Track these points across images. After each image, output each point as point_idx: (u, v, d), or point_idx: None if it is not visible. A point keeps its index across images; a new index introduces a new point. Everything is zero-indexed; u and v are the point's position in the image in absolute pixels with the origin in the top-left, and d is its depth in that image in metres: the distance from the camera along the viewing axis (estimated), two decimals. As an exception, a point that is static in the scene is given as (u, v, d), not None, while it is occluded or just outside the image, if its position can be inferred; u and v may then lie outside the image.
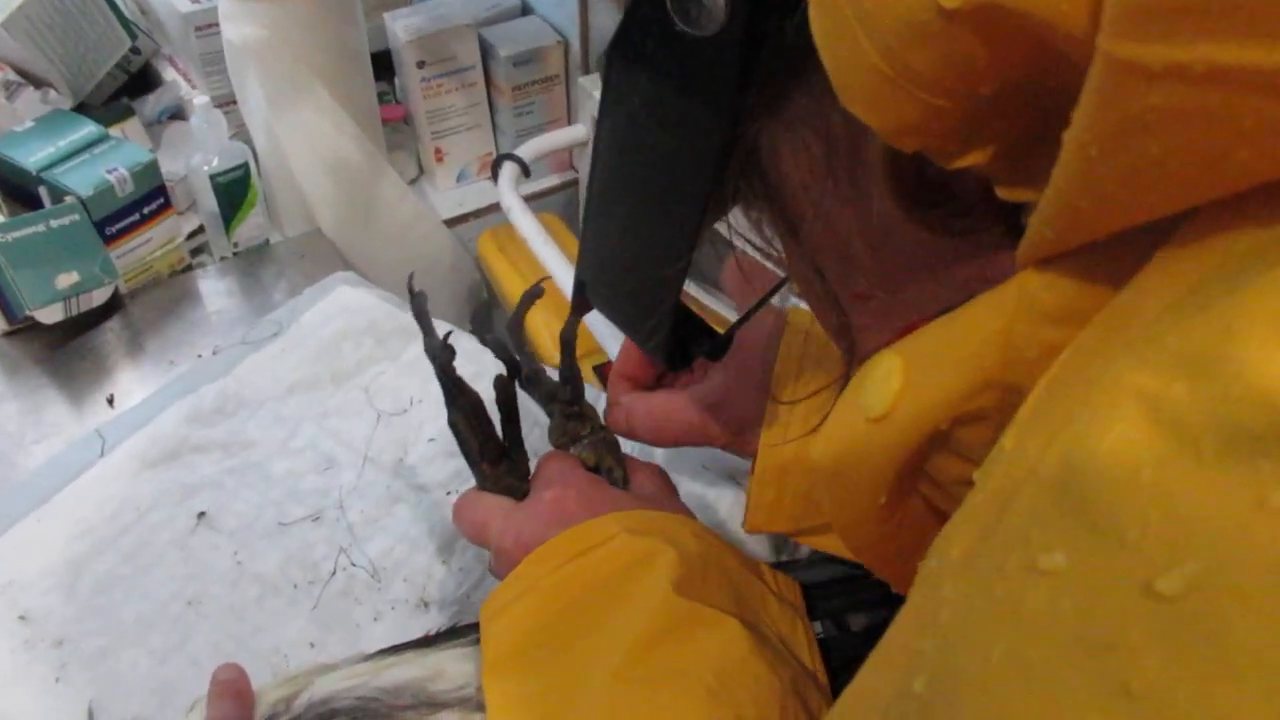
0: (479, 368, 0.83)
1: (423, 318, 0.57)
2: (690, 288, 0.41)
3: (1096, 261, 0.23)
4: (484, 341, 0.61)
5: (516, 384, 0.60)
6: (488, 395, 0.57)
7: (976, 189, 0.26)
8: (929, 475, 0.31)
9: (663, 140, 0.32)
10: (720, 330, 0.48)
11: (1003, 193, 0.25)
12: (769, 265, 0.41)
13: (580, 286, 0.44)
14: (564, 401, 0.59)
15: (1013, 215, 0.26)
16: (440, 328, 0.85)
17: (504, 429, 0.58)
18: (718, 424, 0.59)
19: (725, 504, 0.73)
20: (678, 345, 0.41)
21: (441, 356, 0.56)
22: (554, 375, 0.61)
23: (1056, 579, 0.19)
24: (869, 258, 0.31)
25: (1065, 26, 0.19)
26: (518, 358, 0.61)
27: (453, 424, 0.57)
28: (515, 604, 0.46)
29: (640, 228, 0.36)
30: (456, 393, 0.56)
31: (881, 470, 0.30)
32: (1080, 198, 0.21)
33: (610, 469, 0.58)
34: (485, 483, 0.57)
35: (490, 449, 0.57)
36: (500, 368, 0.59)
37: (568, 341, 0.59)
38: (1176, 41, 0.17)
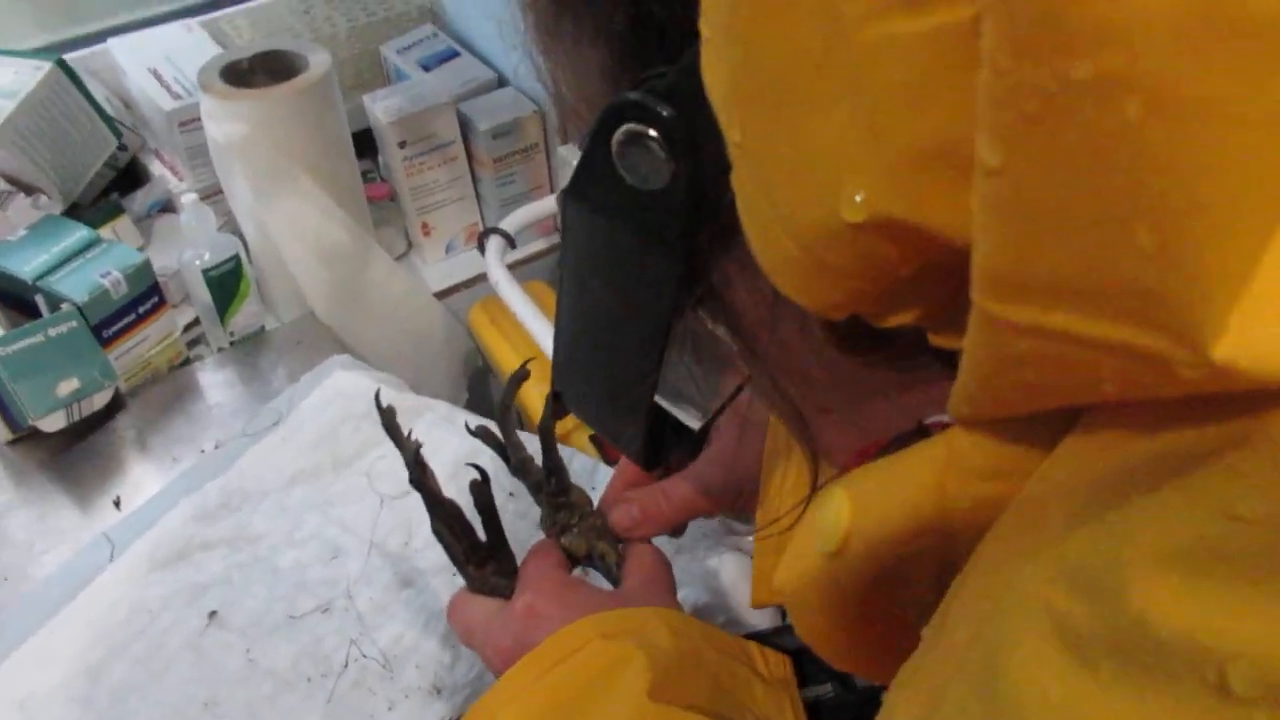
0: (477, 445, 0.84)
1: (393, 431, 0.58)
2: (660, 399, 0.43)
3: (1019, 427, 0.25)
4: (471, 432, 0.62)
5: (509, 469, 0.61)
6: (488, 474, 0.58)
7: (914, 334, 0.27)
8: (888, 595, 0.32)
9: (619, 280, 0.33)
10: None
11: (935, 340, 0.27)
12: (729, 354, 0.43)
13: (557, 396, 0.45)
14: (550, 493, 0.60)
15: (952, 352, 0.27)
16: (439, 417, 0.86)
17: (486, 531, 0.59)
18: (715, 495, 0.60)
19: (728, 572, 0.74)
20: (653, 447, 0.43)
21: (415, 473, 0.57)
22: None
23: None
24: (825, 380, 0.33)
25: (960, 239, 0.21)
26: (506, 445, 0.62)
27: (436, 532, 0.58)
28: (498, 716, 0.47)
29: (605, 353, 0.38)
30: (434, 503, 0.57)
31: (838, 600, 0.31)
32: (982, 394, 0.23)
33: (603, 555, 0.59)
34: (473, 584, 0.59)
35: (475, 552, 0.58)
36: (478, 462, 0.60)
37: (547, 433, 0.60)
38: (1031, 307, 0.19)
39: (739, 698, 0.48)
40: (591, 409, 0.43)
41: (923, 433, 0.29)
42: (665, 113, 0.27)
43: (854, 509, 0.30)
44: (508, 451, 0.62)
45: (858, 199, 0.21)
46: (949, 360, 0.27)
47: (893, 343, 0.28)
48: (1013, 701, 0.19)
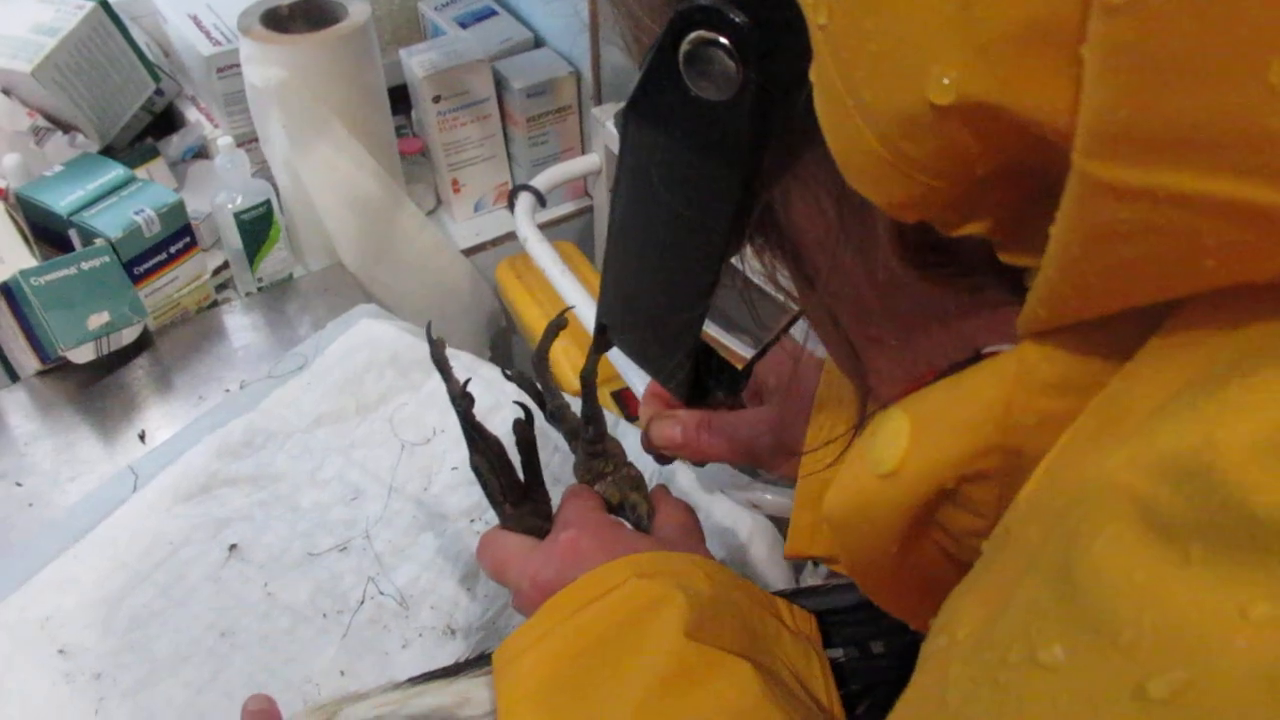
0: (498, 398, 0.85)
1: (442, 364, 0.58)
2: (709, 327, 0.43)
3: (1094, 337, 0.24)
4: (508, 376, 0.62)
5: (544, 416, 0.61)
6: (509, 429, 0.59)
7: (980, 250, 0.27)
8: (940, 524, 0.31)
9: (679, 197, 0.33)
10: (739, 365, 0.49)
11: (1004, 257, 0.26)
12: (782, 299, 0.43)
13: (601, 327, 0.45)
14: (587, 440, 0.60)
15: (1016, 274, 0.27)
16: (461, 366, 0.87)
17: (525, 471, 0.59)
18: (767, 446, 0.59)
19: (744, 529, 0.74)
20: (697, 382, 0.42)
21: (462, 404, 0.57)
22: (577, 408, 0.62)
23: (1055, 674, 0.20)
24: (880, 306, 0.32)
25: (1051, 123, 0.20)
26: (542, 391, 0.61)
27: (475, 467, 0.58)
28: (531, 650, 0.46)
29: (658, 276, 0.37)
30: (478, 437, 0.57)
31: (891, 523, 0.31)
32: (1065, 285, 0.22)
33: (635, 505, 0.59)
34: (508, 522, 0.59)
35: (512, 491, 0.58)
36: (523, 400, 0.60)
37: (588, 381, 0.59)
38: (1141, 167, 0.19)
39: (770, 647, 0.47)
40: (637, 340, 0.43)
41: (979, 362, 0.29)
42: (738, 19, 0.26)
43: (913, 428, 0.29)
44: (544, 398, 0.61)
45: (945, 81, 0.21)
46: (1013, 284, 0.27)
47: (958, 259, 0.27)
48: (1093, 589, 0.19)
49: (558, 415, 0.61)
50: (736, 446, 0.60)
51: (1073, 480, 0.22)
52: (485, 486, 0.59)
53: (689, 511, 0.59)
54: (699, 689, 0.42)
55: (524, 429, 0.58)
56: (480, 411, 0.58)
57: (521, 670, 0.46)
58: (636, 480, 0.60)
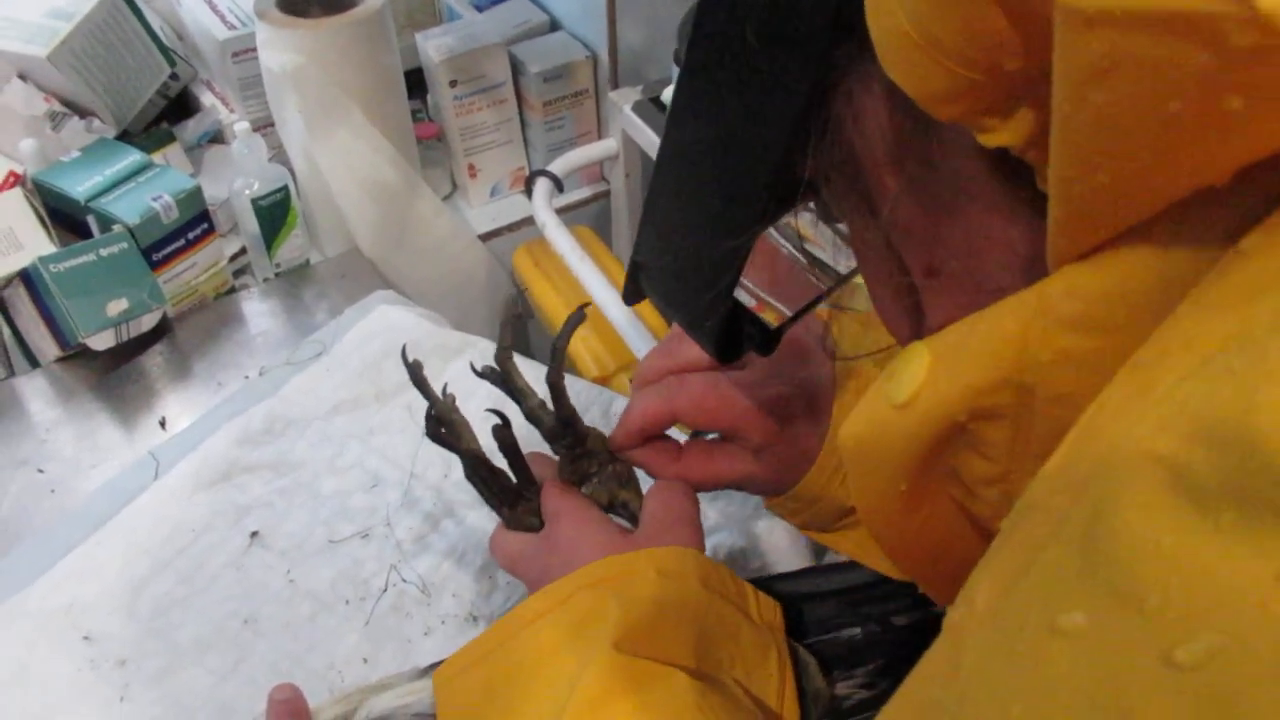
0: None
1: (422, 385, 0.58)
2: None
3: (1114, 277, 0.24)
4: (477, 373, 0.59)
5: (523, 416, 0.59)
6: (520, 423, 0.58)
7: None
8: (955, 474, 0.31)
9: (746, 98, 0.31)
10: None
11: (1040, 183, 0.25)
12: (816, 270, 0.42)
13: (634, 271, 0.43)
14: (565, 445, 0.58)
15: None
16: (479, 354, 0.86)
17: (514, 473, 0.59)
18: (756, 481, 0.57)
19: (764, 516, 0.74)
20: (730, 334, 0.41)
21: (429, 427, 0.57)
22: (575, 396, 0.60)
23: (1076, 640, 0.19)
24: (945, 228, 0.31)
25: None
26: (516, 391, 0.59)
27: (469, 478, 0.59)
28: (473, 669, 0.46)
29: (707, 197, 0.36)
30: (457, 453, 0.58)
31: (901, 456, 0.31)
32: (1064, 163, 0.22)
33: (626, 503, 0.57)
34: (508, 524, 0.59)
35: (506, 495, 0.59)
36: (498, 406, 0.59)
37: (555, 385, 0.56)
38: None
39: (723, 645, 0.46)
40: (671, 281, 0.41)
41: None
42: None
43: (932, 360, 0.29)
44: (518, 397, 0.59)
45: None
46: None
47: (1021, 171, 0.27)
48: (1118, 555, 0.19)
49: (532, 418, 0.58)
50: (739, 473, 0.56)
51: (1100, 447, 0.21)
52: (480, 493, 0.59)
53: (680, 492, 0.55)
54: (630, 701, 0.42)
55: (503, 435, 0.57)
56: (494, 400, 0.58)
57: (460, 688, 0.47)
58: (625, 476, 0.58)
